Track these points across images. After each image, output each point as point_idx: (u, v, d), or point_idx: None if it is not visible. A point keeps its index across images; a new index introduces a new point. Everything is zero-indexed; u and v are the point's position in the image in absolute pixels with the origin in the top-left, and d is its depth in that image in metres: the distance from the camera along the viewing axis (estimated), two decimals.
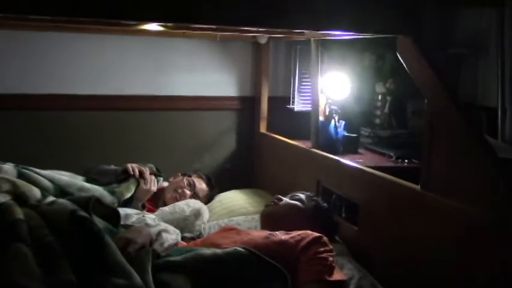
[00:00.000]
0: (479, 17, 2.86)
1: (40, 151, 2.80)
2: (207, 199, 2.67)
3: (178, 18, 1.49)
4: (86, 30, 2.76)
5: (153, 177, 2.44)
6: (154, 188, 2.43)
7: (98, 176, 2.34)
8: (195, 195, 2.60)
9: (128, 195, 2.28)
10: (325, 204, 2.05)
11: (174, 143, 2.78)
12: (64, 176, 2.04)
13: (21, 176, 1.72)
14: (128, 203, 2.29)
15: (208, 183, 2.72)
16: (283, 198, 2.04)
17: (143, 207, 2.40)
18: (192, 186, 2.63)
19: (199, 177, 2.72)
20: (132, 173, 2.34)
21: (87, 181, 2.18)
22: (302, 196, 2.04)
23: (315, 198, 2.07)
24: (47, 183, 1.79)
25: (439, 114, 1.61)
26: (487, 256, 1.42)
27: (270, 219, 1.98)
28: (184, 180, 2.64)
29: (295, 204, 2.00)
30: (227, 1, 1.44)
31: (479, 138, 1.51)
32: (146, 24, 2.13)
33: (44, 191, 1.72)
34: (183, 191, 2.58)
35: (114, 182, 2.31)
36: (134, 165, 2.40)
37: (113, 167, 2.44)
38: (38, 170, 1.85)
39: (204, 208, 2.48)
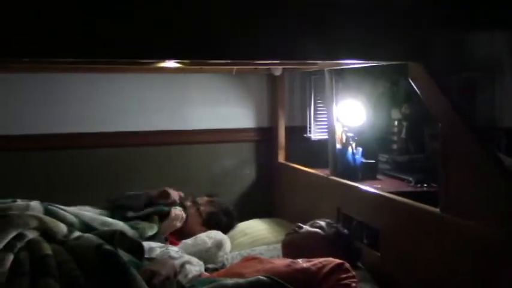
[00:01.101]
0: (490, 39, 2.89)
1: (60, 189, 2.85)
2: (215, 209, 2.69)
3: (196, 56, 1.56)
4: (106, 70, 2.86)
5: (182, 213, 2.48)
6: (179, 224, 2.47)
7: (127, 199, 2.42)
8: (199, 213, 2.62)
9: (150, 233, 2.28)
10: (345, 231, 2.06)
11: (193, 176, 2.83)
12: (87, 212, 2.10)
13: (47, 212, 1.77)
14: (151, 238, 2.32)
15: (209, 195, 2.76)
16: (303, 226, 2.05)
17: (166, 240, 2.44)
18: (194, 203, 2.66)
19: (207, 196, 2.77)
20: (170, 198, 2.45)
21: (111, 215, 2.23)
22: (322, 223, 2.05)
23: (335, 224, 2.08)
24: (72, 218, 1.84)
25: (452, 137, 1.63)
26: (504, 276, 1.42)
27: (291, 247, 1.99)
28: (188, 202, 2.66)
29: (315, 231, 2.01)
30: (242, 37, 1.50)
31: (494, 159, 1.53)
32: (164, 62, 2.21)
33: (70, 226, 1.77)
34: (190, 211, 2.60)
35: (147, 205, 2.40)
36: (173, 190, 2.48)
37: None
38: (63, 207, 1.90)
39: (225, 239, 2.51)
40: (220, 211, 2.72)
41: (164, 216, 2.45)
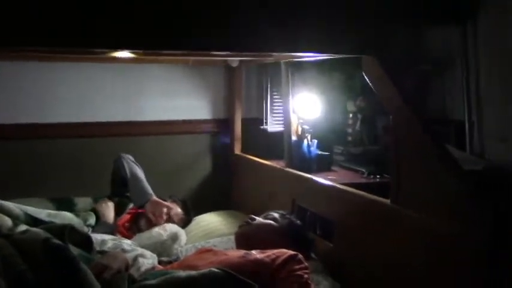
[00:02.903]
0: (444, 33, 2.95)
1: (11, 180, 2.79)
2: (183, 223, 2.67)
3: (150, 46, 1.53)
4: (57, 59, 2.77)
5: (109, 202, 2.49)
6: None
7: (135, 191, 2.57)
8: (170, 220, 2.59)
9: (92, 220, 2.31)
10: (298, 222, 2.07)
11: (149, 168, 2.78)
12: (31, 205, 2.06)
13: None
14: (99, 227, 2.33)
15: (184, 207, 2.72)
16: (256, 218, 2.06)
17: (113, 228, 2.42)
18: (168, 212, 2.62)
19: (174, 201, 2.72)
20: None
21: (57, 206, 2.19)
22: (275, 215, 2.06)
23: (288, 216, 2.09)
24: (17, 211, 1.78)
25: (403, 130, 1.66)
26: (453, 266, 1.46)
27: (244, 238, 2.00)
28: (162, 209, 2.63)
29: (268, 222, 2.02)
30: (197, 28, 1.47)
31: (443, 151, 1.56)
32: (118, 51, 2.16)
33: (15, 219, 1.72)
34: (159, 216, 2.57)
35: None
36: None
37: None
38: (6, 202, 1.84)
39: (181, 231, 2.49)
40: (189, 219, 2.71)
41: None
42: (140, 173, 2.68)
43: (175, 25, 1.44)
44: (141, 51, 2.15)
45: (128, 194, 2.65)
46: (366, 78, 1.78)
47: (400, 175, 1.69)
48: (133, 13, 1.40)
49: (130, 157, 2.72)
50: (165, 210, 2.59)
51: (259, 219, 2.04)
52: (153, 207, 2.61)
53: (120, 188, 2.67)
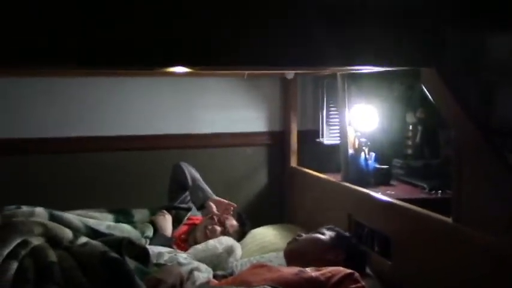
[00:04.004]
0: (509, 41, 2.82)
1: (72, 192, 2.88)
2: (239, 235, 2.67)
3: (207, 63, 1.53)
4: (117, 74, 2.86)
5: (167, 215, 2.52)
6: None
7: (195, 190, 2.69)
8: (225, 232, 2.60)
9: (149, 233, 2.34)
10: (346, 233, 2.03)
11: (205, 180, 2.81)
12: (92, 217, 2.12)
13: (52, 218, 1.76)
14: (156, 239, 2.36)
15: (239, 219, 2.72)
16: (303, 234, 2.04)
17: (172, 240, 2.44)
18: (222, 223, 2.63)
19: (230, 214, 2.73)
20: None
21: (115, 218, 2.26)
22: (323, 229, 2.04)
23: (336, 228, 2.06)
24: (78, 224, 1.83)
25: (466, 143, 1.59)
26: None
27: (293, 255, 1.98)
28: (214, 217, 2.65)
29: (315, 236, 2.00)
30: (256, 44, 1.46)
31: (508, 167, 1.48)
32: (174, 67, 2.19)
33: (76, 231, 1.76)
34: (213, 228, 2.58)
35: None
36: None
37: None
38: (67, 213, 1.90)
39: (236, 245, 2.48)
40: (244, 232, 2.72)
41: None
42: (199, 176, 2.78)
43: (237, 41, 1.44)
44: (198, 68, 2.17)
45: (184, 205, 2.69)
46: (425, 89, 1.72)
47: (462, 192, 1.62)
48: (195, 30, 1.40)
49: (189, 166, 2.80)
50: (226, 208, 2.64)
51: (305, 235, 2.02)
52: (215, 205, 2.65)
53: (178, 193, 2.73)
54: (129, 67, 1.64)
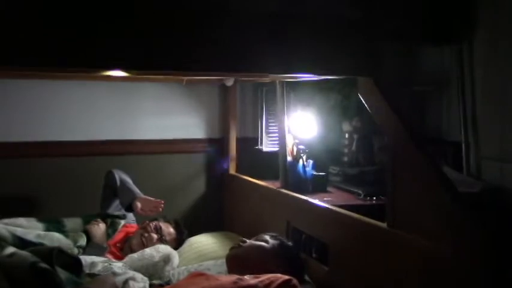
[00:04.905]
0: (440, 53, 2.95)
1: (6, 199, 2.74)
2: (176, 243, 2.62)
3: (143, 67, 1.50)
4: (50, 77, 2.75)
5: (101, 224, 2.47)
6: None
7: (122, 189, 2.61)
8: (162, 240, 2.55)
9: (82, 242, 2.30)
10: (289, 243, 2.04)
11: (143, 187, 2.74)
12: (21, 226, 2.03)
13: None
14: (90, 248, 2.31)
15: (176, 227, 2.68)
16: (247, 240, 2.03)
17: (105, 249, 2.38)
18: (158, 230, 2.58)
19: (167, 221, 2.68)
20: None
21: (46, 227, 2.18)
22: (266, 236, 2.03)
23: (280, 237, 2.06)
24: (4, 233, 1.74)
25: (399, 151, 1.64)
26: None
27: (235, 261, 1.96)
28: (151, 224, 2.59)
29: (259, 244, 1.99)
30: (190, 51, 1.45)
31: (439, 173, 1.54)
32: (111, 71, 2.14)
33: (2, 241, 1.67)
34: (150, 236, 2.53)
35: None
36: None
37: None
38: None
39: (173, 253, 2.44)
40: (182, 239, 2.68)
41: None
42: (129, 179, 2.71)
43: (172, 47, 1.43)
44: (136, 72, 2.12)
45: (118, 213, 2.63)
46: (361, 99, 1.76)
47: (396, 198, 1.66)
48: (130, 33, 1.38)
49: (121, 172, 2.73)
50: (155, 206, 2.57)
51: (250, 241, 2.01)
52: (142, 204, 2.57)
53: (111, 200, 2.68)
54: (69, 68, 1.59)
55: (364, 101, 1.74)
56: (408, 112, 2.52)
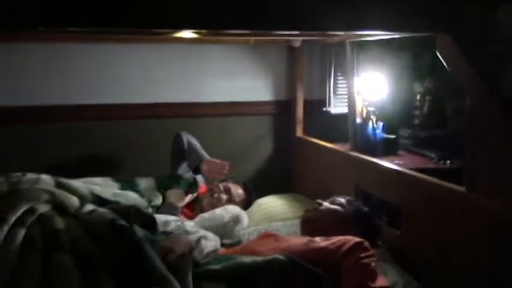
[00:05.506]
0: None
1: (73, 161, 2.86)
2: (245, 204, 2.65)
3: (211, 26, 1.48)
4: (117, 40, 2.79)
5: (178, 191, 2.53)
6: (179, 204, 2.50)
7: (189, 151, 2.70)
8: (231, 201, 2.58)
9: (157, 201, 2.38)
10: (366, 209, 2.00)
11: (209, 150, 2.78)
12: (97, 185, 2.12)
13: (59, 185, 1.73)
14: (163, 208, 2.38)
15: (245, 188, 2.71)
16: (323, 203, 2.00)
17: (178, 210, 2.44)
18: (228, 191, 2.62)
19: (236, 182, 2.71)
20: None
21: (121, 186, 2.28)
22: (342, 200, 1.99)
23: (356, 202, 2.02)
24: (84, 191, 1.80)
25: (479, 112, 1.56)
26: None
27: (311, 224, 1.94)
28: (220, 185, 2.63)
29: (335, 208, 1.95)
30: (256, 7, 1.42)
31: None
32: (180, 32, 2.14)
33: (82, 199, 1.74)
34: (219, 196, 2.57)
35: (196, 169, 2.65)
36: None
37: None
38: (73, 180, 1.87)
39: (242, 214, 2.47)
40: (250, 200, 2.71)
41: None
42: (196, 142, 2.77)
43: (237, 5, 1.40)
44: (205, 31, 2.10)
45: (185, 175, 2.69)
46: (439, 57, 1.67)
47: (475, 161, 1.59)
48: None
49: (189, 134, 2.79)
50: (221, 168, 2.61)
51: (326, 205, 1.98)
52: (208, 167, 2.62)
53: (179, 162, 2.73)
54: (137, 28, 1.59)
55: (443, 59, 1.66)
56: (487, 71, 2.38)
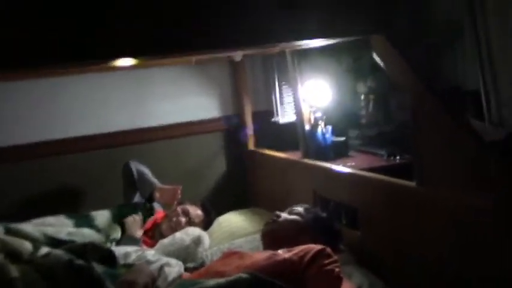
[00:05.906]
0: (451, 4, 2.87)
1: (24, 201, 2.78)
2: (205, 224, 2.63)
3: (152, 52, 1.47)
4: (59, 74, 2.73)
5: (137, 217, 2.49)
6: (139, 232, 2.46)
7: (140, 180, 2.64)
8: (191, 223, 2.56)
9: (116, 235, 2.33)
10: (324, 214, 2.01)
11: (163, 173, 2.75)
12: (50, 225, 2.05)
13: (8, 231, 1.68)
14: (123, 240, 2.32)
15: (203, 208, 2.68)
16: (281, 214, 2.00)
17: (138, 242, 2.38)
18: (186, 213, 2.59)
19: (193, 203, 2.69)
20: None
21: (75, 223, 2.22)
22: (300, 209, 2.00)
23: (314, 209, 2.04)
24: (36, 234, 1.75)
25: (420, 107, 1.61)
26: (488, 240, 1.40)
27: (271, 237, 1.94)
28: (178, 209, 2.60)
29: (294, 218, 1.96)
30: (197, 28, 1.42)
31: (463, 124, 1.50)
32: (118, 60, 2.11)
33: (35, 242, 1.69)
34: (178, 220, 2.54)
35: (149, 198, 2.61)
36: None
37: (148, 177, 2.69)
38: (24, 224, 1.81)
39: (203, 234, 2.44)
40: (210, 220, 2.68)
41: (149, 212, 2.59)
42: (146, 170, 2.75)
43: (178, 27, 1.40)
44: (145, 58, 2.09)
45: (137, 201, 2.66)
46: (376, 58, 1.72)
47: (421, 154, 1.63)
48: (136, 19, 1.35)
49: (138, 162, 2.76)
50: (173, 193, 2.62)
51: (284, 216, 1.99)
52: (161, 194, 2.62)
53: (132, 193, 2.69)
54: (74, 63, 1.56)
55: (380, 59, 1.70)
56: (424, 65, 2.46)
